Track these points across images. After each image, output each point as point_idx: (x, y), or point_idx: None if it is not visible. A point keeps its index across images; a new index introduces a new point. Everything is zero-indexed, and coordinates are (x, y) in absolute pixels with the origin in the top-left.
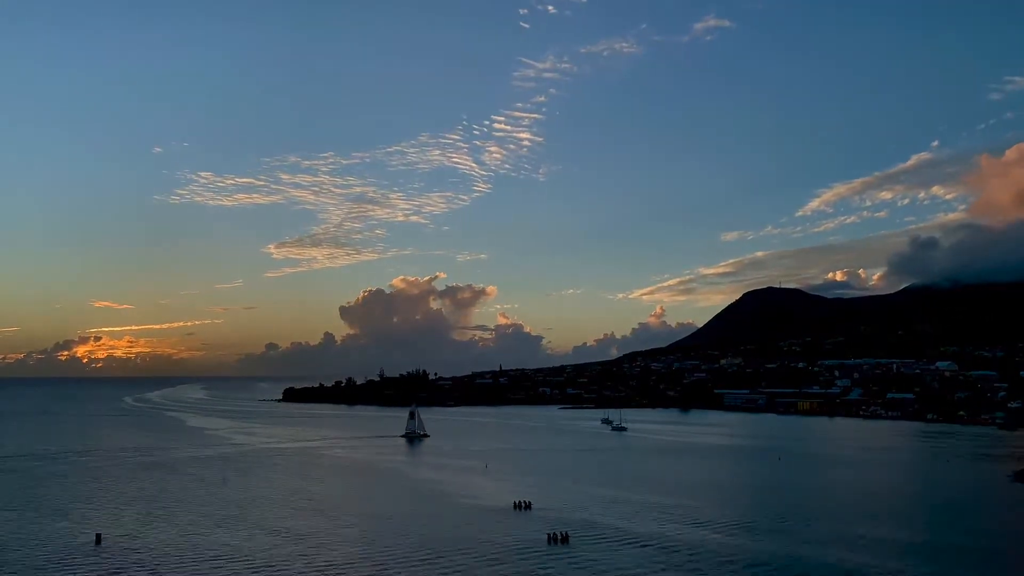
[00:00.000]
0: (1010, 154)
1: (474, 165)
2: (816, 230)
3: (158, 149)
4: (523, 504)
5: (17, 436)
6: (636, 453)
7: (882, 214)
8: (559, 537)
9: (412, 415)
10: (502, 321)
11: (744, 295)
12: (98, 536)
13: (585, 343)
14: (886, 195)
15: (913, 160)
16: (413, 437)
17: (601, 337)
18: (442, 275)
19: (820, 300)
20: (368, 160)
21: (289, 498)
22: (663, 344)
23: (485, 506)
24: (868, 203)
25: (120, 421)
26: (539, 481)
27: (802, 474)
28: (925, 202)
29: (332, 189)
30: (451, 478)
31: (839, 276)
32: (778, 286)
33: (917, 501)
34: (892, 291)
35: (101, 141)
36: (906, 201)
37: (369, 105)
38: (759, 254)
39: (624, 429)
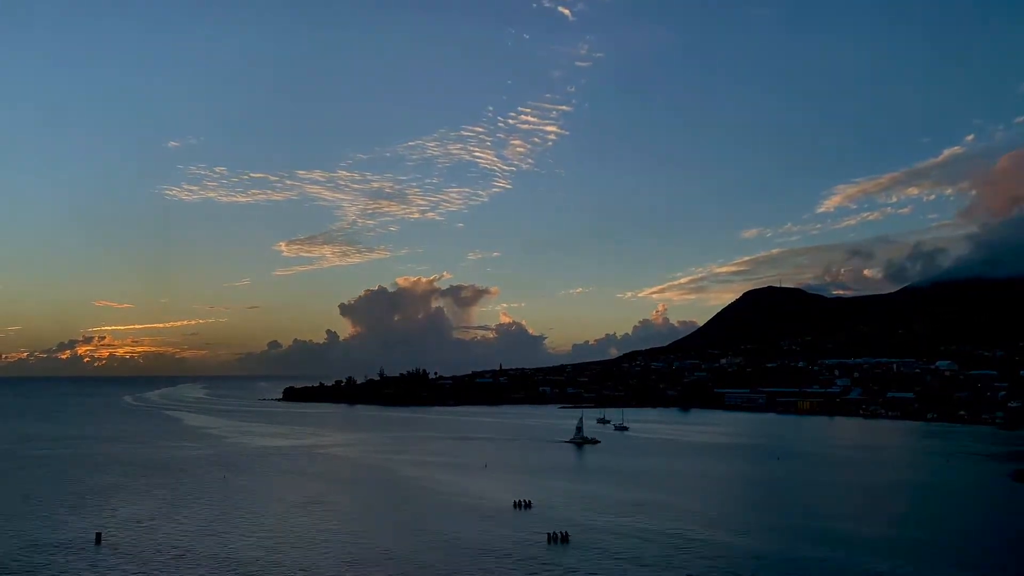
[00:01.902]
0: (1002, 162)
1: (496, 160)
2: (837, 227)
3: (174, 144)
4: (523, 504)
5: (16, 436)
6: (636, 452)
7: (906, 211)
8: (559, 537)
9: (581, 421)
10: (504, 320)
11: (744, 295)
12: (98, 536)
13: (587, 341)
14: (913, 191)
15: (945, 155)
16: (583, 442)
17: (603, 336)
18: (448, 275)
19: (820, 300)
20: (388, 155)
21: (289, 498)
22: (664, 343)
23: (485, 506)
24: (894, 199)
25: (120, 421)
26: (539, 481)
27: (801, 473)
28: (952, 198)
29: (351, 185)
30: (452, 478)
31: (841, 275)
32: (778, 286)
33: (916, 500)
34: (892, 291)
35: (114, 138)
36: (932, 197)
37: (392, 98)
38: (774, 252)
39: (626, 429)
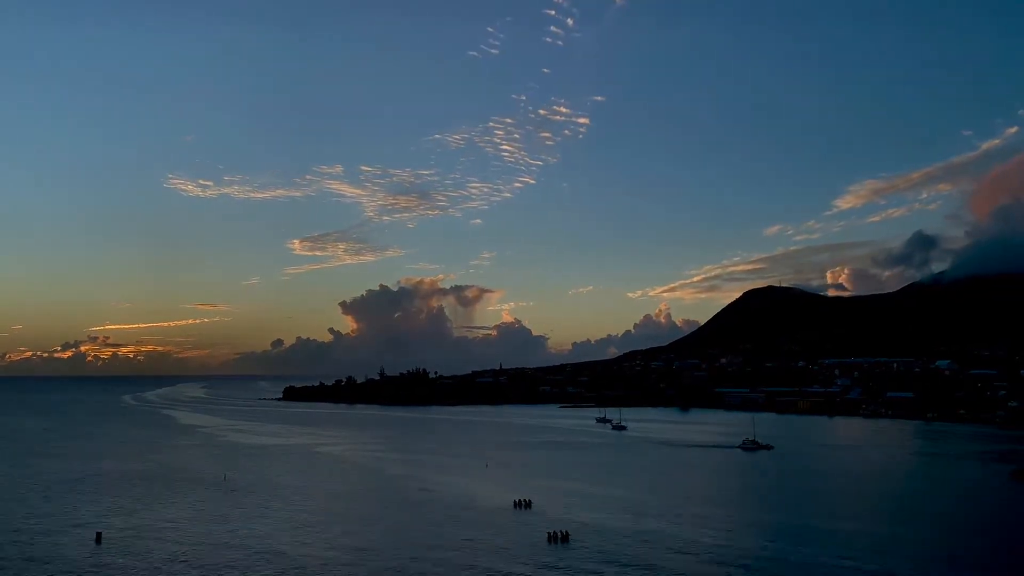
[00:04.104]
0: (998, 170)
1: (523, 154)
2: (860, 224)
3: (189, 138)
4: (523, 504)
5: (14, 436)
6: (635, 452)
7: (933, 207)
8: (559, 537)
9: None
10: (507, 319)
11: (744, 294)
12: (98, 535)
13: (588, 340)
14: (945, 187)
15: (982, 149)
16: (755, 448)
17: (604, 336)
18: (452, 276)
19: (820, 299)
20: (412, 149)
21: (291, 498)
22: (665, 343)
23: (485, 506)
24: (924, 195)
25: (119, 421)
26: (539, 481)
27: (801, 473)
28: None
29: (372, 180)
30: (451, 478)
31: (844, 274)
32: (778, 285)
33: (916, 500)
34: (892, 290)
35: (126, 134)
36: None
37: (419, 90)
38: (792, 249)
39: (624, 428)
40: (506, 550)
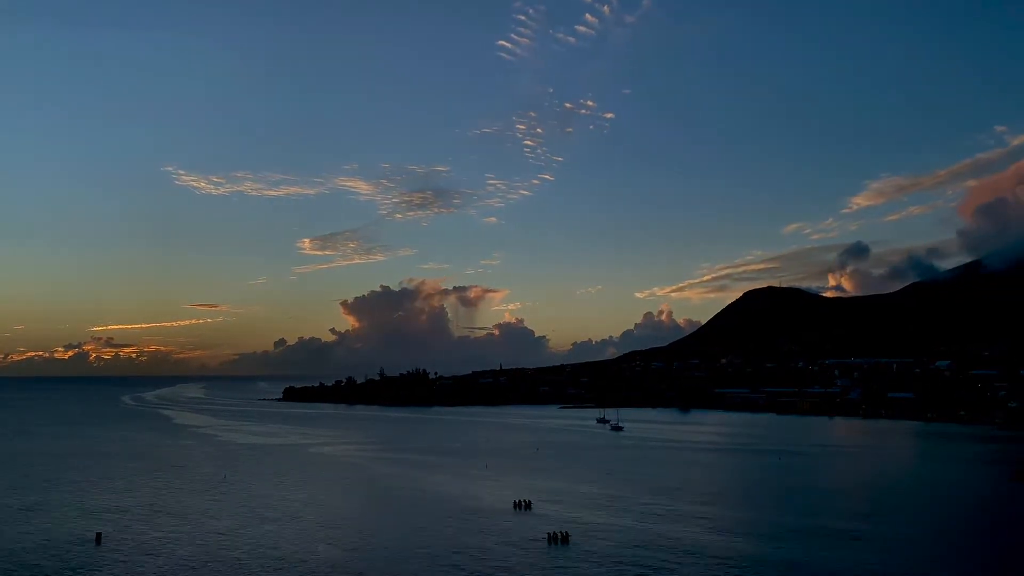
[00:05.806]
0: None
1: (544, 150)
2: (879, 222)
3: (199, 136)
4: (523, 504)
5: (15, 437)
6: (635, 453)
7: (954, 205)
8: (559, 537)
9: None
10: (508, 320)
11: (744, 294)
12: (98, 535)
13: (589, 340)
14: (973, 183)
15: (1013, 144)
16: None
17: (606, 337)
18: (461, 276)
19: (820, 299)
20: (431, 145)
21: (290, 498)
22: (665, 343)
23: (485, 506)
24: (949, 192)
25: (119, 422)
26: (539, 482)
27: (800, 474)
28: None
29: (389, 177)
30: (451, 478)
31: (844, 274)
32: (778, 286)
33: (915, 500)
34: (892, 290)
35: (135, 133)
36: None
37: (440, 83)
38: (807, 247)
39: (621, 429)
40: (506, 551)
